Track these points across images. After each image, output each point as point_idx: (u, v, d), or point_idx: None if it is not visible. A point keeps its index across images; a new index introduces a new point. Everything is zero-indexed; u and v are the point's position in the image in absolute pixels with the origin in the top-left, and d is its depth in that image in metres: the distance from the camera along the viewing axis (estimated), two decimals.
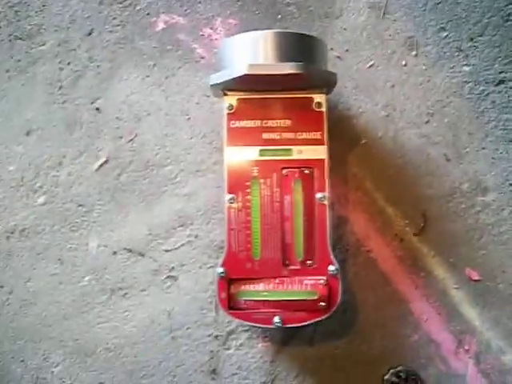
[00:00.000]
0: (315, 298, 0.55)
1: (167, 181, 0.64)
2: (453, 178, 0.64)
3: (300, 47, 0.55)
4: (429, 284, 0.62)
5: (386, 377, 0.60)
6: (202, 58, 0.65)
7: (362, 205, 0.63)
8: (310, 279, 0.56)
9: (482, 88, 0.65)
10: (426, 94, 0.65)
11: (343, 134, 0.64)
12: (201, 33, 0.66)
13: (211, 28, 0.66)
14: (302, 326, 0.57)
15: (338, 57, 0.65)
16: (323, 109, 0.56)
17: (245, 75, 0.53)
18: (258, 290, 0.56)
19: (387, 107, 0.64)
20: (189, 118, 0.64)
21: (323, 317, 0.55)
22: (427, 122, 0.64)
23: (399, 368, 0.61)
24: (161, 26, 0.66)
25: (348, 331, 0.61)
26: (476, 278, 0.62)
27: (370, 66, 0.65)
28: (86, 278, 0.63)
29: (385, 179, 0.63)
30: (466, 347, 0.61)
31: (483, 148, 0.64)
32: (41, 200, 0.64)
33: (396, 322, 0.62)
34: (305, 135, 0.56)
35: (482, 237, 0.63)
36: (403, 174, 0.63)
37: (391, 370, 0.60)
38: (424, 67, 0.65)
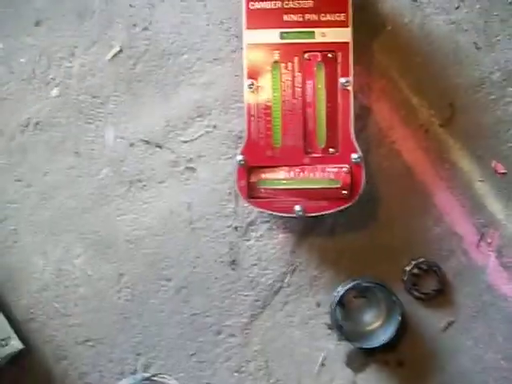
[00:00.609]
0: (338, 186, 0.54)
1: (184, 70, 0.61)
2: (483, 68, 0.61)
3: None
4: (453, 176, 0.60)
5: (407, 268, 0.60)
6: None
7: (386, 94, 0.60)
8: (333, 167, 0.54)
9: None
10: None
11: (368, 20, 0.60)
12: None
13: None
14: (323, 216, 0.56)
15: None
16: None
17: None
18: (278, 178, 0.55)
19: None
20: (205, 4, 0.61)
21: (345, 205, 0.55)
22: (457, 7, 0.61)
23: (420, 260, 0.60)
24: None
25: (369, 223, 0.61)
26: (502, 170, 0.61)
27: None
28: (104, 171, 0.62)
29: (411, 68, 0.60)
30: (489, 240, 0.61)
31: None
32: (54, 92, 0.62)
33: (419, 213, 0.61)
34: (328, 17, 0.54)
35: (511, 129, 0.60)
36: (430, 62, 0.60)
37: (412, 262, 0.60)
38: None
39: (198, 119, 0.61)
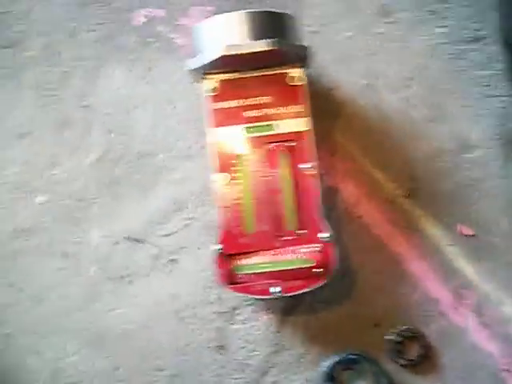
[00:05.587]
0: (311, 265, 0.57)
1: (159, 168, 0.66)
2: (438, 139, 0.65)
3: (270, 24, 0.56)
4: (423, 243, 0.63)
5: (389, 337, 0.62)
6: (182, 46, 0.67)
7: (350, 173, 0.64)
8: (306, 247, 0.57)
9: (458, 47, 0.66)
10: (404, 59, 0.66)
11: (327, 106, 0.65)
12: (177, 23, 0.68)
13: (187, 17, 0.67)
14: (302, 295, 0.58)
15: (316, 32, 0.66)
16: (301, 82, 0.58)
17: (223, 56, 0.55)
18: (254, 263, 0.57)
19: (367, 76, 0.66)
20: (174, 107, 0.66)
21: (321, 283, 0.57)
22: (408, 86, 0.66)
23: (401, 327, 0.62)
24: (139, 20, 0.68)
25: (348, 297, 0.63)
26: (469, 233, 0.63)
27: (348, 38, 0.66)
28: (92, 270, 0.65)
29: (371, 146, 0.65)
30: (466, 301, 0.63)
31: (465, 106, 0.65)
32: (40, 199, 0.66)
33: (395, 283, 0.63)
34: (285, 109, 0.58)
35: (472, 193, 0.64)
36: (388, 138, 0.65)
37: (394, 330, 0.62)
38: (400, 33, 0.66)
39: (177, 213, 0.65)
